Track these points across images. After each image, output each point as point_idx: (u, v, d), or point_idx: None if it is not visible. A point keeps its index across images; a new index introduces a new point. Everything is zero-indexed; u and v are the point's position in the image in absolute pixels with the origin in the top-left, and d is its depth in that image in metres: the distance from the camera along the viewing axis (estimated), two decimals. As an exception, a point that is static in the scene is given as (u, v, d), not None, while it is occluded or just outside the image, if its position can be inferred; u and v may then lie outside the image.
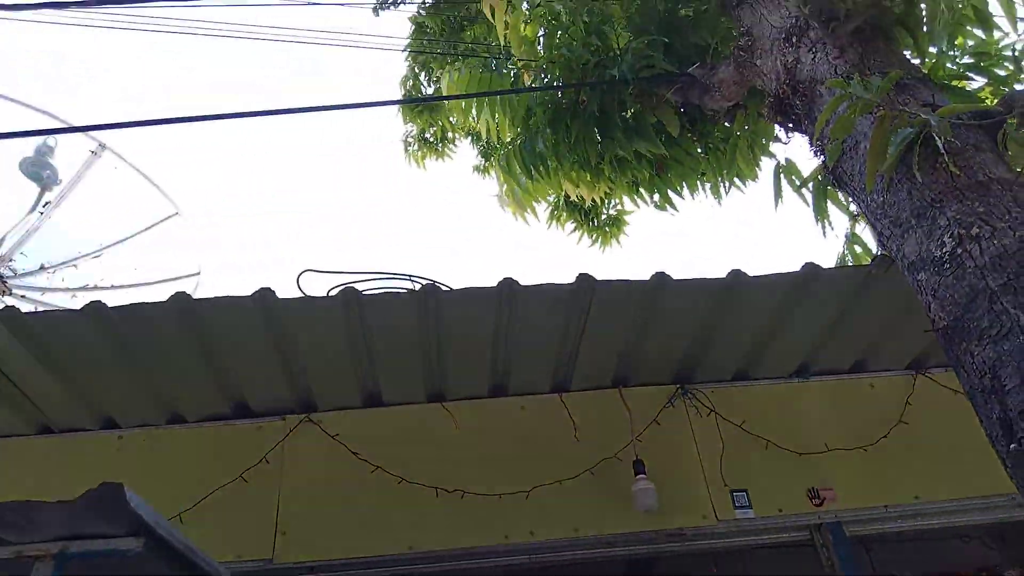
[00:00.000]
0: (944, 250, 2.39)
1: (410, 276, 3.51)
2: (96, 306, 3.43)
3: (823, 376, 4.50)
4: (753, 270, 3.69)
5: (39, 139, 5.84)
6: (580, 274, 3.57)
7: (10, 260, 5.89)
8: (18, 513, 1.67)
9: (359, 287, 3.46)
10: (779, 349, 4.25)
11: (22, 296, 5.98)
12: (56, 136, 5.80)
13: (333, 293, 3.46)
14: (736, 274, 3.67)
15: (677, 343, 4.14)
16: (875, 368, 4.54)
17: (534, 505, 3.89)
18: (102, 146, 5.86)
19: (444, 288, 3.53)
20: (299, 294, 3.51)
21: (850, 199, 3.10)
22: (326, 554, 3.75)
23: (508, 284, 3.55)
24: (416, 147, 7.03)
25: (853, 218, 3.82)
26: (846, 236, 3.87)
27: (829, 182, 3.05)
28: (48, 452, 4.12)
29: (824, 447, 4.18)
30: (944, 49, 2.90)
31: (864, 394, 4.47)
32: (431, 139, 6.95)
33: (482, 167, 6.69)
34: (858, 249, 3.88)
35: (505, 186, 4.70)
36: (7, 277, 5.87)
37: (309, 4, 5.32)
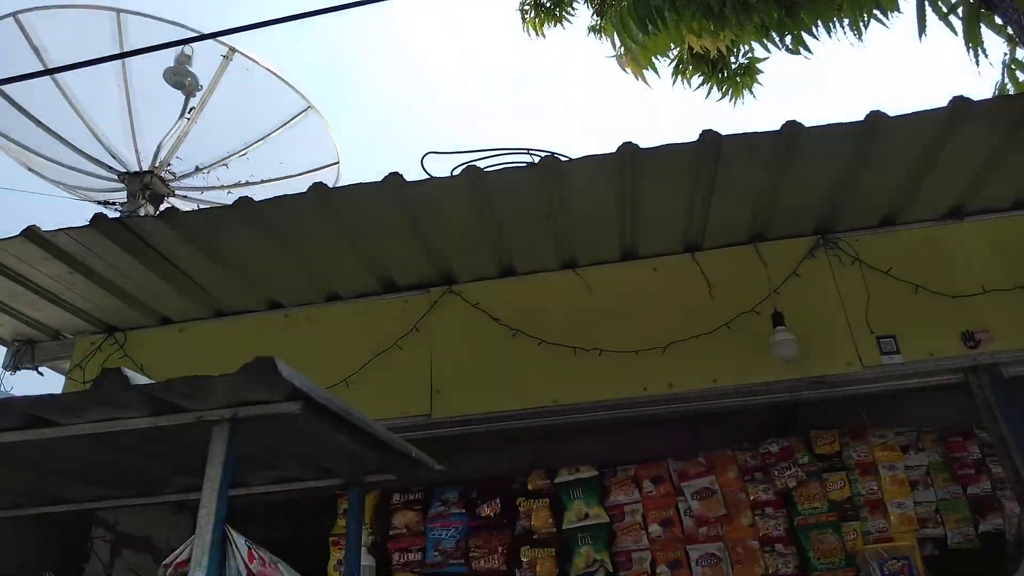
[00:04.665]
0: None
1: (528, 150, 3.53)
2: (245, 200, 3.72)
3: (979, 216, 4.22)
4: (895, 111, 3.44)
5: (176, 49, 6.20)
6: (704, 131, 3.47)
7: (168, 164, 6.43)
8: (192, 385, 1.97)
9: (481, 164, 3.55)
10: (930, 191, 4.01)
11: (184, 196, 6.57)
12: (192, 45, 6.14)
13: (456, 172, 3.56)
14: (876, 115, 3.44)
15: (815, 194, 3.99)
16: (1039, 203, 4.19)
17: (671, 359, 4.01)
18: (232, 50, 6.15)
19: (563, 158, 3.55)
20: (424, 176, 3.64)
21: (1006, 21, 2.78)
22: (478, 408, 4.08)
23: (628, 148, 3.51)
24: (533, 14, 6.78)
25: (1012, 41, 3.41)
26: (1003, 63, 3.48)
27: (981, 4, 2.74)
28: (223, 332, 4.65)
29: (980, 288, 3.98)
30: None
31: (1025, 231, 4.16)
32: (547, 3, 6.66)
33: (598, 27, 6.39)
34: (1020, 76, 3.49)
35: (622, 46, 4.52)
36: (168, 180, 6.44)
37: None
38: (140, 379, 1.94)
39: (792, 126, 3.45)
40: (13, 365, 4.81)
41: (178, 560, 2.10)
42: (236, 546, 2.08)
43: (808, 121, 3.43)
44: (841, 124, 3.46)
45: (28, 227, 3.77)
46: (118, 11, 5.81)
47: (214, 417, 2.10)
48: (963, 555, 4.46)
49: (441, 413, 4.11)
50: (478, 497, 4.80)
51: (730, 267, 4.25)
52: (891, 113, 3.42)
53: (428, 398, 4.16)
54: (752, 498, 4.57)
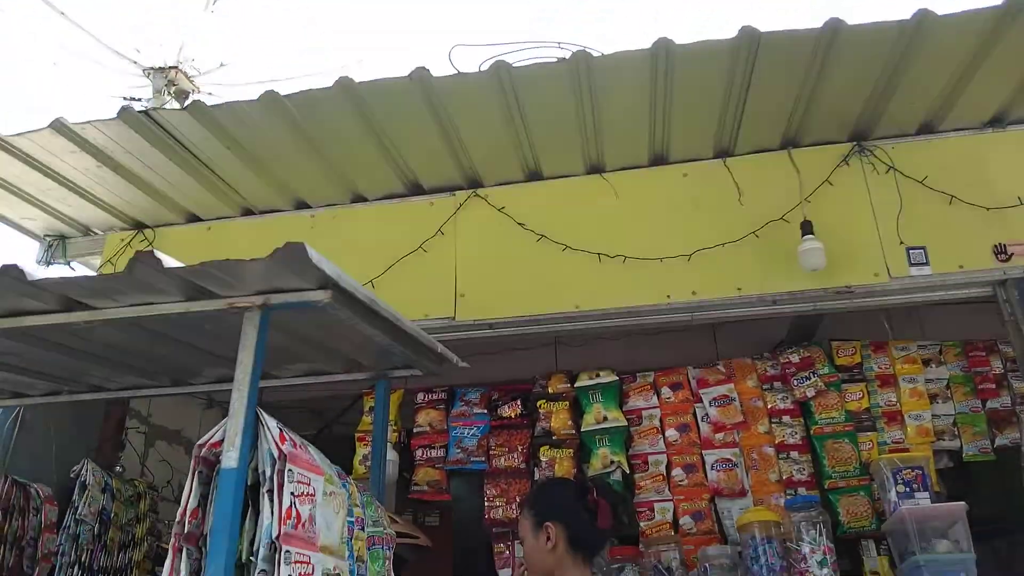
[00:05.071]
0: None
1: (559, 43, 3.42)
2: (270, 94, 3.67)
3: (1022, 125, 4.07)
4: (943, 8, 3.28)
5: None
6: (743, 26, 3.34)
7: (193, 59, 6.37)
8: (224, 269, 1.99)
9: (510, 59, 3.44)
10: (972, 97, 3.85)
11: (209, 93, 6.53)
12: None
13: (484, 67, 3.47)
14: (924, 13, 3.28)
15: (853, 99, 3.86)
16: (1086, 113, 4.03)
17: (696, 267, 3.98)
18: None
19: (595, 54, 3.44)
20: (453, 71, 3.55)
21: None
22: (501, 312, 4.10)
23: (663, 44, 3.40)
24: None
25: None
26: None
27: None
28: (250, 231, 4.67)
29: (1017, 200, 3.88)
30: None
31: (1070, 141, 4.02)
32: None
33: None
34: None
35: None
36: (193, 76, 6.38)
37: None
38: (173, 262, 1.97)
39: (835, 23, 3.31)
40: (46, 260, 4.90)
41: (212, 441, 2.17)
42: (268, 427, 2.14)
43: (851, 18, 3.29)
44: (887, 22, 3.31)
45: (56, 119, 3.77)
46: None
47: (245, 303, 2.14)
48: (978, 467, 4.52)
49: (464, 316, 4.14)
50: (499, 398, 4.91)
51: (761, 174, 4.16)
52: (940, 11, 3.27)
53: (452, 301, 4.19)
54: (770, 406, 4.63)
